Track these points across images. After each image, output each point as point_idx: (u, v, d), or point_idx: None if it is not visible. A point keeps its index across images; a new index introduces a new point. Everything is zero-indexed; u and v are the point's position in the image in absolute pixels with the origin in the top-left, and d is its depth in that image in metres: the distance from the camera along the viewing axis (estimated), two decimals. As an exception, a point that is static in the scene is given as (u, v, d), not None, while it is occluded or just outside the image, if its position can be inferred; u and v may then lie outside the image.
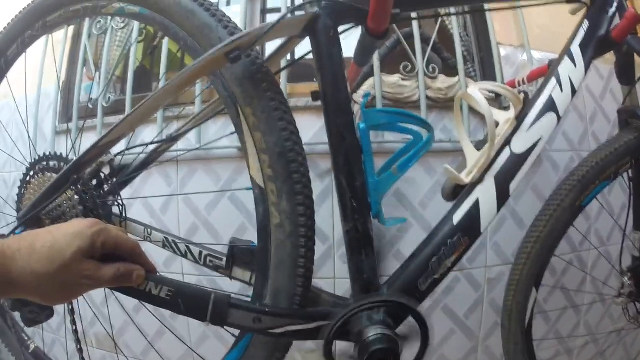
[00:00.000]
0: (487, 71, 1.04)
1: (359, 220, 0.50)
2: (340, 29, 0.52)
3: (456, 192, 0.60)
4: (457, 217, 0.54)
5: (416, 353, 0.51)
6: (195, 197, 1.03)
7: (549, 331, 1.09)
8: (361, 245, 0.51)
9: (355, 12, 0.52)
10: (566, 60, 0.59)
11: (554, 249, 0.73)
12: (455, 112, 0.61)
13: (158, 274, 0.51)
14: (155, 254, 0.66)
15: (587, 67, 0.59)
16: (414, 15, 0.91)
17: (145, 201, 1.06)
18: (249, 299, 0.54)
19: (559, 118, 0.57)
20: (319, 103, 0.52)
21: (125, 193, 1.04)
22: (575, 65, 0.59)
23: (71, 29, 1.11)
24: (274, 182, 0.49)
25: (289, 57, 0.94)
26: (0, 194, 1.13)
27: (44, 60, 1.10)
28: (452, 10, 1.02)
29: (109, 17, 1.04)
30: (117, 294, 0.47)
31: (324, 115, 0.51)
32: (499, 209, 0.55)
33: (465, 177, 0.56)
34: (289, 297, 0.50)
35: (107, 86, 1.08)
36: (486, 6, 0.88)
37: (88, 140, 1.04)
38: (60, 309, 1.03)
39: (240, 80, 0.49)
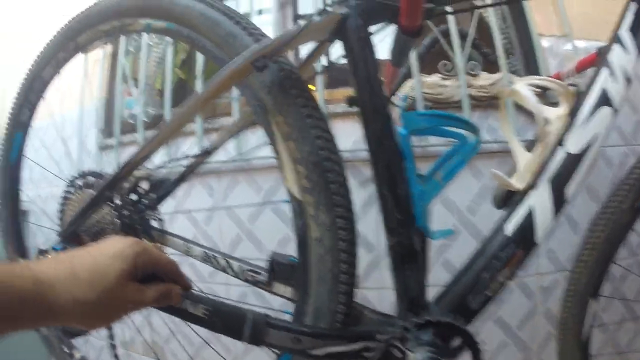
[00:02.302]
0: (530, 64, 0.98)
1: (403, 234, 0.47)
2: (372, 29, 0.49)
3: (508, 199, 0.55)
4: (509, 227, 0.50)
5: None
6: (238, 208, 1.03)
7: (605, 343, 1.00)
8: (406, 260, 0.47)
9: (386, 9, 0.49)
10: (616, 47, 0.53)
11: (613, 256, 0.66)
12: (500, 110, 0.56)
13: (194, 291, 0.50)
14: (200, 265, 0.66)
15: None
16: (448, 9, 0.86)
17: (188, 213, 1.08)
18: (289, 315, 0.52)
19: (615, 111, 0.51)
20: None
21: (168, 205, 1.07)
22: (627, 52, 0.52)
23: (109, 47, 1.15)
24: (311, 193, 0.46)
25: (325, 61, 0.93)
26: (35, 209, 1.18)
27: (84, 79, 1.14)
28: (489, 1, 0.97)
29: (142, 34, 1.07)
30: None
31: (361, 121, 0.48)
32: (555, 216, 0.50)
33: (517, 183, 0.51)
34: (330, 314, 0.48)
35: (146, 101, 1.11)
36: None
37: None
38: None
39: (269, 88, 0.47)
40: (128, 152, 1.10)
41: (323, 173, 0.46)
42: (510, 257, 0.49)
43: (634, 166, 0.65)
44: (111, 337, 0.56)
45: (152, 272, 0.39)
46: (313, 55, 0.54)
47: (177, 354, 1.08)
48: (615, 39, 0.54)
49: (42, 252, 0.65)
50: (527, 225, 0.49)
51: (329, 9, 0.50)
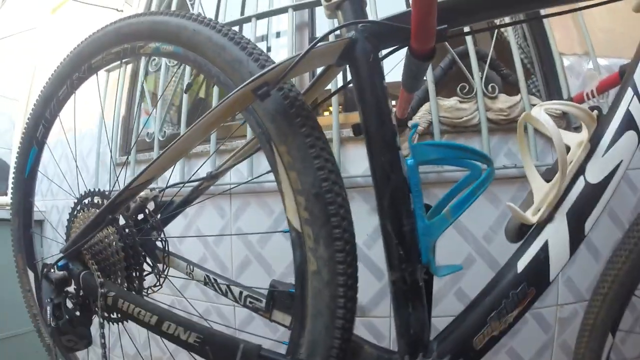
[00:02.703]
0: (550, 85, 0.94)
1: (406, 270, 0.44)
2: (382, 52, 0.48)
3: (522, 232, 0.52)
4: (521, 264, 0.46)
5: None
6: (248, 229, 1.02)
7: None
8: (409, 297, 0.45)
9: (396, 32, 0.47)
10: None
11: (634, 289, 0.61)
12: (518, 136, 0.53)
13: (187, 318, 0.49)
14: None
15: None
16: (465, 29, 0.84)
17: (199, 233, 1.08)
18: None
19: None
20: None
21: (179, 224, 1.08)
22: None
23: (129, 67, 1.18)
24: (311, 226, 0.44)
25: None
26: (52, 219, 1.20)
27: (105, 98, 1.17)
28: (507, 20, 0.94)
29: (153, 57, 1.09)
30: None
31: (367, 151, 0.46)
32: (572, 253, 0.46)
33: (532, 216, 0.48)
34: (325, 349, 0.45)
35: (163, 120, 1.13)
36: (542, 12, 0.78)
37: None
38: (112, 329, 1.08)
39: (272, 116, 0.46)
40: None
41: (324, 206, 0.44)
42: (521, 297, 0.45)
43: None
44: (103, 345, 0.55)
45: None
46: (319, 80, 0.53)
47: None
48: None
49: (46, 267, 0.66)
50: (541, 262, 0.46)
51: (338, 32, 0.49)
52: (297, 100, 0.47)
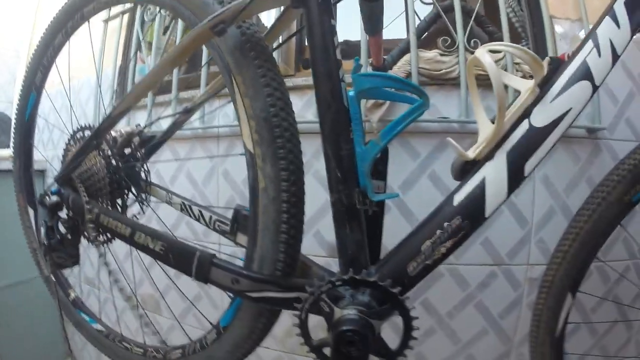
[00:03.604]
0: (540, 48, 0.93)
1: (343, 192, 0.48)
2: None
3: (465, 171, 0.54)
4: (458, 198, 0.49)
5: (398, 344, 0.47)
6: (234, 171, 1.08)
7: (594, 346, 0.96)
8: (346, 218, 0.49)
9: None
10: (607, 20, 0.50)
11: (596, 250, 0.62)
12: (469, 79, 0.55)
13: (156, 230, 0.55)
14: (196, 224, 0.71)
15: (634, 30, 0.49)
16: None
17: (189, 174, 1.15)
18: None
19: (595, 87, 0.48)
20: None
21: (171, 167, 1.14)
22: (619, 27, 0.49)
23: (126, 17, 1.22)
24: (260, 146, 0.49)
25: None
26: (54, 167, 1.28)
27: (103, 46, 1.22)
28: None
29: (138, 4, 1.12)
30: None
31: (313, 82, 0.49)
32: (510, 192, 0.48)
33: (472, 152, 0.51)
34: (272, 262, 0.51)
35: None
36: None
37: (141, 116, 1.17)
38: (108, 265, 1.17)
39: (231, 51, 0.51)
40: (140, 114, 1.18)
41: (271, 128, 0.49)
42: (455, 230, 0.48)
43: (628, 155, 0.60)
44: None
45: None
46: (279, 23, 0.56)
47: (172, 307, 1.16)
48: (609, 12, 0.50)
49: (43, 195, 0.73)
50: (477, 197, 0.48)
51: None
52: (253, 37, 0.52)
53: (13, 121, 0.92)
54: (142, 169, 0.74)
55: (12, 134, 0.91)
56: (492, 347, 0.97)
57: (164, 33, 1.13)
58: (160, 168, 1.16)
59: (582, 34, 0.95)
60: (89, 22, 0.76)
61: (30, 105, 0.86)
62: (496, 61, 0.91)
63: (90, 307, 0.86)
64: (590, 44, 0.50)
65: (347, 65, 0.97)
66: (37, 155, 0.95)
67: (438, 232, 0.48)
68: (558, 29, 0.96)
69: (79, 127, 0.74)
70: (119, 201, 0.73)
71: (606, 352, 0.97)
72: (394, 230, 0.90)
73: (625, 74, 0.96)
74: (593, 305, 0.95)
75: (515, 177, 0.49)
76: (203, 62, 1.07)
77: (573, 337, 0.95)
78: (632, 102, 0.97)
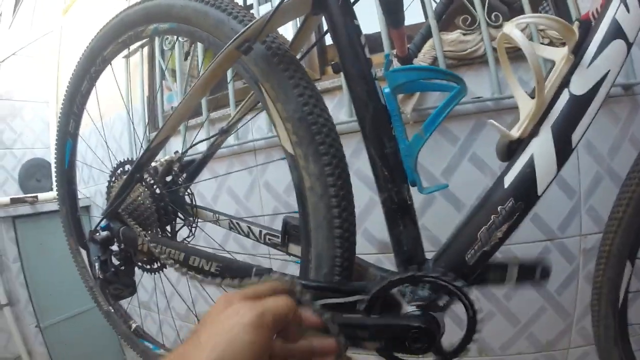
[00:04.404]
0: (560, 8, 0.90)
1: (392, 189, 0.48)
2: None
3: (511, 150, 0.53)
4: (508, 179, 0.48)
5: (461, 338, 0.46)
6: (274, 181, 1.09)
7: None
8: (399, 215, 0.49)
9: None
10: None
11: None
12: (500, 57, 0.53)
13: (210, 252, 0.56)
14: (245, 240, 0.73)
15: (657, -22, 0.47)
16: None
17: (230, 190, 1.17)
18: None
19: (629, 45, 0.46)
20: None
21: (212, 186, 1.17)
22: None
23: (145, 50, 1.26)
24: (300, 146, 0.50)
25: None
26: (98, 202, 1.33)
27: (128, 82, 1.27)
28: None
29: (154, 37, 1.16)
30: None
31: (346, 85, 0.50)
32: (560, 166, 0.47)
33: (515, 132, 0.49)
34: (329, 259, 0.50)
35: (184, 93, 1.21)
36: None
37: (177, 143, 1.21)
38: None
39: (254, 60, 0.52)
40: (174, 142, 1.22)
41: (308, 126, 0.49)
42: (510, 212, 0.47)
43: None
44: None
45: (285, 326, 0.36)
46: (302, 30, 0.57)
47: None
48: None
49: (93, 232, 0.76)
50: (528, 177, 0.47)
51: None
52: (278, 48, 0.52)
53: (53, 166, 0.96)
54: (186, 194, 0.76)
55: (54, 181, 0.95)
56: (552, 325, 0.94)
57: (185, 59, 1.16)
58: (202, 189, 1.19)
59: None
60: (111, 64, 0.79)
61: (68, 153, 0.90)
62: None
63: (148, 331, 0.89)
64: (616, 0, 0.47)
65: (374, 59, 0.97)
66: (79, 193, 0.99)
67: (492, 217, 0.47)
68: (578, -14, 0.92)
69: (118, 163, 0.77)
70: (169, 227, 0.75)
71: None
72: (442, 219, 0.91)
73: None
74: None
75: (564, 150, 0.47)
76: (228, 79, 1.09)
77: (635, 306, 0.91)
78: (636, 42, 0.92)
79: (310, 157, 0.49)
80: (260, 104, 0.56)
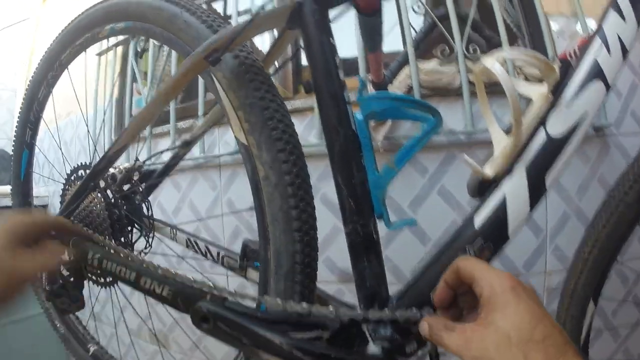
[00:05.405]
0: (537, 47, 0.91)
1: (358, 222, 0.45)
2: (332, 14, 0.48)
3: (482, 188, 0.51)
4: (478, 219, 0.46)
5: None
6: (237, 200, 1.05)
7: (616, 350, 0.92)
8: (363, 250, 0.46)
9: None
10: (612, 14, 0.47)
11: (616, 254, 0.60)
12: (478, 90, 0.52)
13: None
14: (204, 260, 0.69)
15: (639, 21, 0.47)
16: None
17: (192, 205, 1.12)
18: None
19: (608, 87, 0.45)
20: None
21: (174, 197, 1.12)
22: (625, 20, 0.46)
23: (119, 50, 1.21)
24: (252, 134, 0.47)
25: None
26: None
27: (97, 81, 1.21)
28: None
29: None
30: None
31: (317, 106, 0.47)
32: (532, 208, 0.46)
33: (489, 170, 0.48)
34: (289, 256, 0.46)
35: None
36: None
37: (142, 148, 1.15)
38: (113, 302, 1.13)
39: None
40: (139, 147, 1.16)
41: (259, 111, 0.46)
42: (478, 253, 0.45)
43: None
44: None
45: (39, 235, 0.43)
46: (277, 44, 0.54)
47: (180, 342, 1.12)
48: (612, 5, 0.47)
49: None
50: (498, 217, 0.45)
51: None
52: (246, 59, 0.49)
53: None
54: (144, 205, 0.72)
55: (10, 194, 0.89)
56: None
57: (140, 56, 1.12)
58: (163, 200, 1.14)
59: (579, 29, 0.93)
60: (68, 69, 0.75)
61: (24, 164, 0.84)
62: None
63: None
64: (598, 40, 0.47)
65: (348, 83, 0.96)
66: (38, 190, 0.93)
67: (460, 256, 0.45)
68: (554, 25, 0.94)
69: (73, 167, 0.72)
70: (123, 239, 0.70)
71: (630, 355, 0.93)
72: (407, 251, 0.89)
73: (626, 66, 0.94)
74: (614, 308, 0.91)
75: (537, 192, 0.46)
76: (199, 91, 1.06)
77: (596, 343, 0.92)
78: (635, 95, 0.94)
79: (263, 145, 0.46)
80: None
